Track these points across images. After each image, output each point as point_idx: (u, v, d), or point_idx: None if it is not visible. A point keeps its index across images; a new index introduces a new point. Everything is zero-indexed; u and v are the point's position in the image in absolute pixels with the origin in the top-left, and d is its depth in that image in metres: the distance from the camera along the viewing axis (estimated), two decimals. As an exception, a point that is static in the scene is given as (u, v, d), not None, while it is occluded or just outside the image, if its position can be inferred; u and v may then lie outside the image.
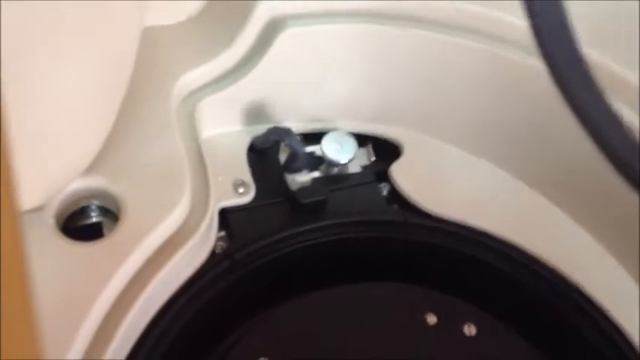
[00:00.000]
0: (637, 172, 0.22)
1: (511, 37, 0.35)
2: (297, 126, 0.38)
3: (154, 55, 0.32)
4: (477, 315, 0.36)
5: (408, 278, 0.37)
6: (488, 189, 0.39)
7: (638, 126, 0.33)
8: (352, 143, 0.37)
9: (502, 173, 0.40)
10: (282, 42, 0.35)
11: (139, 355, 0.30)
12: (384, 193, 0.38)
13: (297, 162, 0.36)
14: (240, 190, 0.34)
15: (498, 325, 0.36)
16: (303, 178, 0.35)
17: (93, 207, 0.31)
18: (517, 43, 0.35)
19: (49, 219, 0.29)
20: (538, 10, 0.21)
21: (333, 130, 0.38)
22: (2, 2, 0.19)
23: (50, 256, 0.28)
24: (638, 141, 0.22)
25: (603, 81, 0.33)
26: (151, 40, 0.30)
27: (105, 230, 0.31)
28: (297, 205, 0.35)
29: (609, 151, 0.22)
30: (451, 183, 0.39)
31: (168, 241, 0.30)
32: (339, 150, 0.37)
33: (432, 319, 0.36)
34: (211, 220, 0.32)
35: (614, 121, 0.22)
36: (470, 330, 0.36)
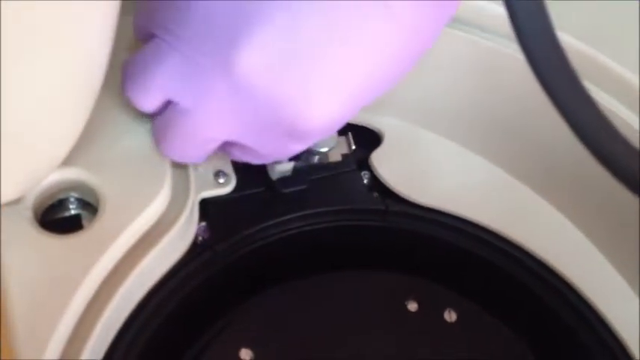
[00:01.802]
0: (617, 160, 0.22)
1: (494, 25, 0.35)
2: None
3: (132, 45, 0.32)
4: (458, 301, 0.37)
5: (389, 266, 0.37)
6: (469, 177, 0.40)
7: (638, 127, 0.34)
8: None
9: (483, 161, 0.41)
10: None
11: (119, 347, 0.30)
12: (365, 181, 0.38)
13: None
14: (221, 180, 0.34)
15: (479, 311, 0.37)
16: (283, 167, 0.35)
17: (71, 199, 0.31)
18: (501, 31, 0.35)
19: (27, 212, 0.28)
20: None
21: (314, 118, 0.38)
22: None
23: (28, 249, 0.27)
24: (613, 127, 0.22)
25: (602, 81, 0.34)
26: (128, 29, 0.29)
27: (84, 222, 0.30)
28: (278, 195, 0.35)
29: (581, 132, 0.23)
30: (432, 171, 0.39)
31: (148, 233, 0.30)
32: (320, 139, 0.37)
33: (412, 305, 0.37)
34: (192, 210, 0.32)
35: (590, 106, 0.23)
36: (450, 316, 0.37)
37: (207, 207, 0.34)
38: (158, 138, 0.30)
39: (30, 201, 0.29)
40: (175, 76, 0.27)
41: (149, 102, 0.28)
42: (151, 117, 0.30)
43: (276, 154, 0.30)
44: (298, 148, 0.29)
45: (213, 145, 0.29)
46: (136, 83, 0.28)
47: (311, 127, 0.27)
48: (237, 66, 0.25)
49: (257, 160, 0.31)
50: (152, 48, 0.27)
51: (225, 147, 0.30)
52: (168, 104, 0.28)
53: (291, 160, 0.35)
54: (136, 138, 0.31)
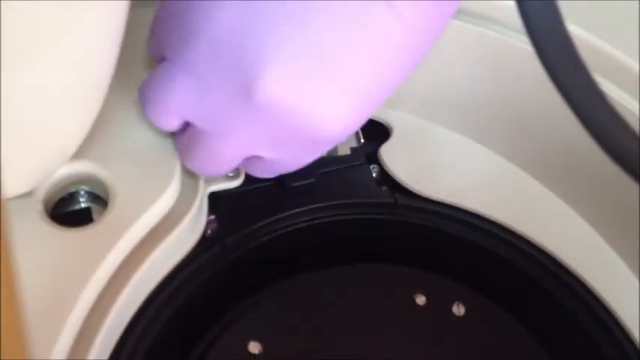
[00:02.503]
0: (625, 151, 0.22)
1: (504, 18, 0.35)
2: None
3: (143, 38, 0.32)
4: (466, 295, 0.37)
5: (397, 259, 0.37)
6: (478, 171, 0.39)
7: (638, 114, 0.34)
8: (342, 125, 0.37)
9: (492, 154, 0.40)
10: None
11: (129, 340, 0.30)
12: (374, 174, 0.38)
13: None
14: (230, 173, 0.34)
15: (487, 305, 0.37)
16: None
17: (81, 192, 0.31)
18: (510, 24, 0.35)
19: (37, 205, 0.29)
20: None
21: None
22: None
23: (38, 242, 0.28)
24: (623, 120, 0.22)
25: (604, 68, 0.33)
26: (140, 21, 0.30)
27: (94, 216, 0.31)
28: (287, 188, 0.35)
29: (590, 125, 0.22)
30: (441, 164, 0.39)
31: (158, 226, 0.30)
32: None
33: (421, 299, 0.37)
34: (201, 204, 0.32)
35: (600, 98, 0.23)
36: (459, 310, 0.36)
37: (217, 200, 0.34)
38: (182, 155, 0.30)
39: (41, 194, 0.29)
40: (188, 100, 0.27)
41: (167, 125, 0.29)
42: (173, 134, 0.31)
43: (295, 165, 0.30)
44: (315, 155, 0.30)
45: (237, 162, 0.29)
46: (152, 107, 0.28)
47: (330, 135, 0.27)
48: (258, 89, 0.25)
49: (275, 173, 0.31)
50: (163, 71, 0.27)
51: (243, 162, 0.30)
52: (187, 125, 0.29)
53: None
54: (145, 132, 0.31)
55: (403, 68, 0.27)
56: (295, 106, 0.25)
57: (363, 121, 0.28)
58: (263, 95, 0.25)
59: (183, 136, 0.29)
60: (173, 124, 0.28)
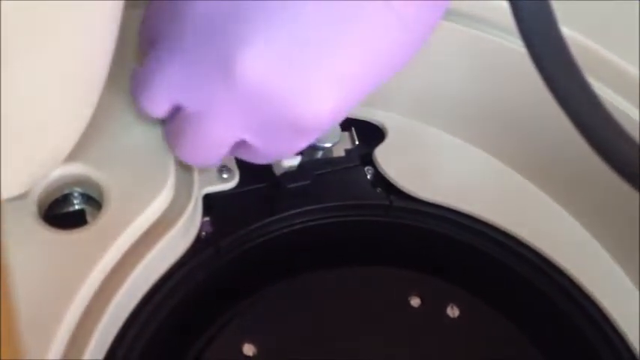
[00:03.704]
0: (615, 151, 0.22)
1: (497, 19, 0.35)
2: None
3: (137, 39, 0.32)
4: (461, 297, 0.37)
5: (392, 261, 0.37)
6: (473, 173, 0.40)
7: (638, 119, 0.34)
8: (336, 127, 0.37)
9: (487, 156, 0.41)
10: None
11: (124, 342, 0.30)
12: (369, 176, 0.38)
13: None
14: (225, 175, 0.34)
15: (481, 307, 0.37)
16: (290, 162, 0.35)
17: (75, 194, 0.31)
18: (503, 26, 0.35)
19: (31, 207, 0.28)
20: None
21: (317, 114, 0.38)
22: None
23: (32, 244, 0.27)
24: (613, 118, 0.22)
25: (604, 74, 0.34)
26: (134, 22, 0.30)
27: (88, 218, 0.31)
28: (282, 190, 0.35)
29: (584, 128, 0.23)
30: (436, 166, 0.39)
31: (152, 228, 0.30)
32: (323, 134, 0.37)
33: (415, 301, 0.37)
34: (195, 206, 0.32)
35: (595, 103, 0.23)
36: (453, 311, 0.37)
37: (211, 202, 0.34)
38: (171, 143, 0.30)
39: (34, 196, 0.29)
40: (177, 83, 0.27)
41: (157, 110, 0.29)
42: (162, 122, 0.31)
43: (283, 153, 0.30)
44: (303, 144, 0.29)
45: (225, 148, 0.29)
46: (142, 93, 0.28)
47: (316, 121, 0.27)
48: (238, 69, 0.25)
49: (263, 160, 0.31)
50: (153, 58, 0.27)
51: (233, 150, 0.30)
52: (176, 111, 0.29)
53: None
54: (140, 133, 0.31)
55: (393, 61, 0.27)
56: (275, 89, 0.25)
57: (348, 109, 0.28)
58: (241, 76, 0.25)
59: (172, 122, 0.29)
60: (162, 108, 0.28)
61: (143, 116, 0.31)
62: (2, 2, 0.20)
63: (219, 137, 0.28)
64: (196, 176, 0.32)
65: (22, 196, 0.28)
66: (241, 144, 0.29)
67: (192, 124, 0.28)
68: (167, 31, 0.27)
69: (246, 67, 0.25)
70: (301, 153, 0.36)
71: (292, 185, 0.35)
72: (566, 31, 0.22)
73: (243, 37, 0.25)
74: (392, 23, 0.25)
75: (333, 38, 0.25)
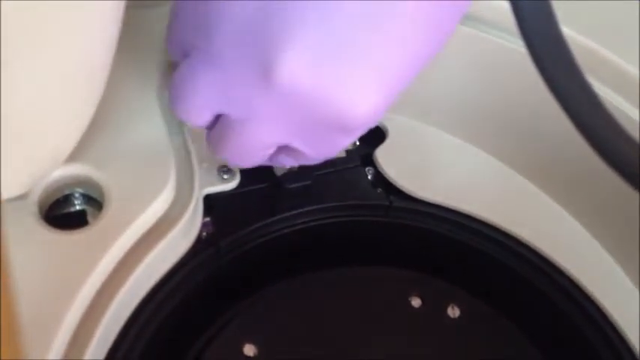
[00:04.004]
0: (615, 151, 0.22)
1: (498, 20, 0.35)
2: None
3: (138, 39, 0.32)
4: (461, 297, 0.37)
5: (392, 261, 0.37)
6: (474, 173, 0.40)
7: (638, 119, 0.34)
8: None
9: (487, 157, 0.41)
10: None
11: (124, 342, 0.30)
12: (369, 177, 0.38)
13: None
14: (225, 176, 0.34)
15: (482, 307, 0.37)
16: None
17: (76, 195, 0.31)
18: (504, 26, 0.35)
19: (32, 207, 0.29)
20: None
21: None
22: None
23: (33, 245, 0.27)
24: (614, 118, 0.22)
25: (604, 74, 0.34)
26: (135, 22, 0.30)
27: (89, 218, 0.31)
28: (283, 191, 0.35)
29: (585, 129, 0.23)
30: (436, 167, 0.39)
31: (153, 229, 0.30)
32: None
33: (416, 301, 0.37)
34: (196, 206, 0.32)
35: (596, 103, 0.23)
36: (454, 312, 0.37)
37: (212, 202, 0.34)
38: (215, 147, 0.30)
39: (35, 196, 0.29)
40: (215, 93, 0.27)
41: (199, 120, 0.29)
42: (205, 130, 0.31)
43: (327, 152, 0.30)
44: (346, 142, 0.29)
45: (270, 150, 0.29)
46: (180, 105, 0.28)
47: (358, 120, 0.27)
48: (277, 73, 0.25)
49: (308, 162, 0.31)
50: (186, 67, 0.27)
51: (275, 154, 0.30)
52: (219, 116, 0.29)
53: None
54: (141, 134, 0.31)
55: (426, 54, 0.27)
56: (316, 91, 0.25)
57: (389, 105, 0.27)
58: (281, 80, 0.25)
59: (214, 129, 0.29)
60: (204, 118, 0.28)
61: (144, 117, 0.31)
62: (2, 2, 0.20)
63: (263, 141, 0.28)
64: (197, 177, 0.32)
65: (22, 197, 0.28)
66: (285, 147, 0.29)
67: (235, 131, 0.28)
68: (200, 39, 0.26)
69: (286, 71, 0.25)
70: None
71: (293, 185, 0.35)
72: (566, 31, 0.22)
73: (280, 40, 0.24)
74: (422, 18, 0.25)
75: (369, 36, 0.25)
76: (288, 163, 0.32)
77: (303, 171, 0.36)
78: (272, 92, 0.26)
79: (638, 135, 0.23)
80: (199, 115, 0.28)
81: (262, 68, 0.25)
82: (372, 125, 0.28)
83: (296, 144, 0.29)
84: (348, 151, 0.38)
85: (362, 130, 0.29)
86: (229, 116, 0.28)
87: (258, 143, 0.28)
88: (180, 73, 0.28)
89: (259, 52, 0.25)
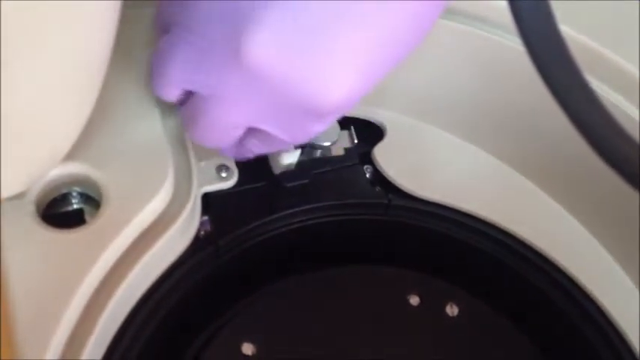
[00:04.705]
0: (614, 150, 0.22)
1: (495, 17, 0.35)
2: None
3: (135, 39, 0.32)
4: (460, 295, 0.37)
5: (391, 260, 0.37)
6: (472, 171, 0.40)
7: (638, 119, 0.34)
8: (334, 126, 0.37)
9: (485, 155, 0.41)
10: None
11: (122, 341, 0.30)
12: (368, 175, 0.38)
13: None
14: (223, 174, 0.34)
15: (480, 305, 0.37)
16: (289, 158, 0.35)
17: (74, 194, 0.31)
18: (501, 24, 0.35)
19: (29, 206, 0.28)
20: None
21: (316, 112, 0.38)
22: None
23: (30, 244, 0.27)
24: (612, 117, 0.22)
25: (602, 72, 0.33)
26: (132, 22, 0.30)
27: (87, 217, 0.31)
28: (281, 189, 0.35)
29: (583, 128, 0.23)
30: (434, 165, 0.39)
31: (151, 227, 0.30)
32: (322, 133, 0.37)
33: (414, 299, 0.37)
34: (194, 204, 0.32)
35: (594, 102, 0.23)
36: (452, 310, 0.37)
37: (210, 201, 0.34)
38: (186, 125, 0.30)
39: (33, 195, 0.29)
40: (190, 67, 0.27)
41: (170, 94, 0.29)
42: (178, 106, 0.31)
43: (298, 137, 0.30)
44: (319, 128, 0.29)
45: (239, 131, 0.29)
46: (156, 77, 0.29)
47: (329, 104, 0.26)
48: (248, 51, 0.25)
49: (278, 147, 0.31)
50: (166, 41, 0.28)
51: (246, 138, 0.30)
52: (190, 94, 0.29)
53: (297, 147, 0.35)
54: (138, 132, 0.31)
55: (407, 41, 0.26)
56: (287, 72, 0.25)
57: (363, 92, 0.27)
58: (251, 61, 0.25)
59: (186, 107, 0.29)
60: (174, 92, 0.29)
61: (141, 115, 0.31)
62: (2, 2, 0.20)
63: (231, 121, 0.28)
64: (195, 175, 0.32)
65: (20, 196, 0.28)
66: (257, 131, 0.29)
67: (204, 109, 0.28)
68: (179, 16, 0.27)
69: (256, 52, 0.25)
70: (302, 148, 0.36)
71: (291, 184, 0.35)
72: (566, 30, 0.22)
73: (254, 19, 0.24)
74: (402, 5, 0.25)
75: (345, 20, 0.25)
76: (258, 149, 0.31)
77: (302, 169, 0.36)
78: (242, 72, 0.26)
79: (638, 134, 0.23)
80: (173, 91, 0.29)
81: (235, 47, 0.25)
82: (345, 112, 0.28)
83: (267, 127, 0.28)
84: (346, 150, 0.38)
85: (334, 116, 0.28)
86: (200, 93, 0.28)
87: (226, 123, 0.28)
88: (159, 48, 0.28)
89: (233, 31, 0.25)
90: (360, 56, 0.26)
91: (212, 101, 0.28)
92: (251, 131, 0.29)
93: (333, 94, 0.26)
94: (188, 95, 0.29)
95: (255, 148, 0.31)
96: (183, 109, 0.30)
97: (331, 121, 0.29)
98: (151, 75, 0.29)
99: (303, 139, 0.30)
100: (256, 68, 0.25)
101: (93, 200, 0.31)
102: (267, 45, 0.25)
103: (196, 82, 0.27)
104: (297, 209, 0.36)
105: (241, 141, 0.31)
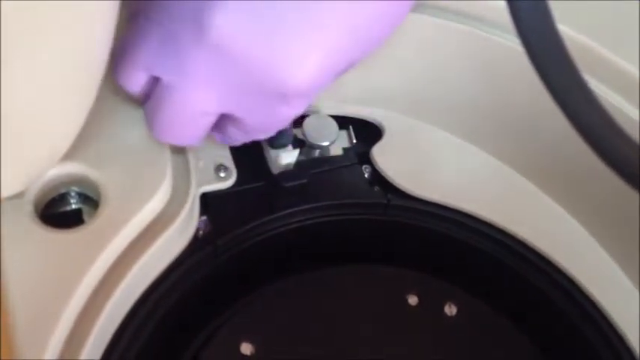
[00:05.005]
0: (613, 150, 0.22)
1: (493, 17, 0.35)
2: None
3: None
4: (458, 295, 0.37)
5: (389, 259, 0.37)
6: (471, 171, 0.40)
7: (638, 119, 0.34)
8: (333, 125, 0.37)
9: (484, 154, 0.41)
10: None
11: (121, 341, 0.30)
12: (366, 175, 0.38)
13: (283, 138, 0.36)
14: (222, 174, 0.34)
15: (479, 305, 0.37)
16: (287, 158, 0.35)
17: (72, 194, 0.31)
18: (500, 23, 0.35)
19: (27, 206, 0.28)
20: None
21: (314, 112, 0.38)
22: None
23: (28, 244, 0.27)
24: (611, 117, 0.22)
25: (602, 73, 0.33)
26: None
27: (85, 217, 0.30)
28: (279, 189, 0.35)
29: (582, 128, 0.23)
30: (433, 164, 0.39)
31: (149, 227, 0.30)
32: (320, 132, 0.37)
33: (413, 299, 0.37)
34: (193, 204, 0.32)
35: (593, 102, 0.23)
36: (451, 310, 0.37)
37: (208, 201, 0.34)
38: (150, 122, 0.29)
39: (31, 195, 0.29)
40: (153, 50, 0.27)
41: (133, 80, 0.28)
42: (142, 103, 0.30)
43: (266, 123, 0.29)
44: (288, 112, 0.28)
45: (205, 122, 0.29)
46: (119, 64, 0.28)
47: (293, 83, 0.26)
48: (210, 31, 0.25)
49: (253, 135, 0.31)
50: (131, 27, 0.27)
51: (225, 126, 0.30)
52: (154, 85, 0.28)
53: (295, 147, 0.35)
54: (136, 133, 0.31)
55: (377, 29, 0.26)
56: (249, 53, 0.25)
57: (330, 76, 0.27)
58: (214, 38, 0.25)
59: (150, 101, 0.29)
60: (138, 81, 0.28)
61: (139, 116, 0.31)
62: (2, 2, 0.19)
63: (197, 107, 0.28)
64: (193, 175, 0.32)
65: (18, 196, 0.28)
66: (227, 119, 0.29)
67: (168, 94, 0.27)
68: (143, 3, 0.27)
69: (218, 28, 0.25)
70: (300, 147, 0.36)
71: (289, 184, 0.35)
72: (566, 30, 0.22)
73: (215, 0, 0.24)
74: None
75: (311, 3, 0.24)
76: (239, 137, 0.31)
77: (300, 169, 0.36)
78: (206, 51, 0.25)
79: (638, 135, 0.23)
80: (137, 78, 0.28)
81: (197, 25, 0.25)
82: (312, 98, 0.27)
83: (234, 112, 0.28)
84: (345, 150, 0.38)
85: (301, 101, 0.28)
86: (163, 79, 0.27)
87: (192, 109, 0.28)
88: (122, 36, 0.28)
89: (196, 9, 0.25)
90: (324, 39, 0.25)
91: (177, 87, 0.27)
92: (225, 118, 0.29)
93: (297, 74, 0.26)
94: (151, 86, 0.29)
95: (235, 137, 0.31)
96: (147, 105, 0.29)
97: (299, 108, 0.28)
98: (114, 63, 0.28)
99: (272, 125, 0.29)
100: (220, 45, 0.25)
101: (91, 200, 0.31)
102: (232, 21, 0.24)
103: (161, 65, 0.27)
104: (295, 209, 0.36)
105: (221, 129, 0.30)
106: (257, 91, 0.27)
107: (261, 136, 0.31)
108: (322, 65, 0.26)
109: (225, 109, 0.28)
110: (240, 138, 0.31)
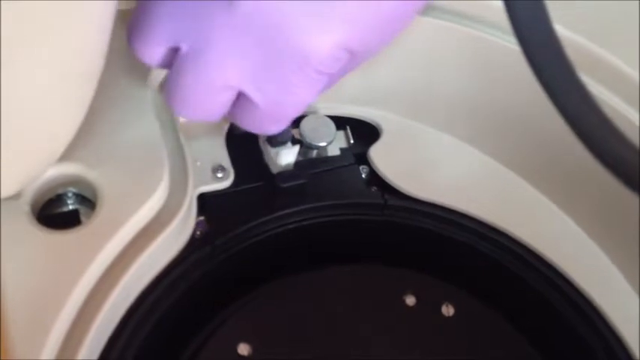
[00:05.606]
0: (611, 152, 0.22)
1: (491, 18, 0.35)
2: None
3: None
4: (456, 295, 0.37)
5: (387, 260, 0.37)
6: (468, 171, 0.40)
7: (638, 123, 0.34)
8: (331, 126, 0.37)
9: (481, 155, 0.41)
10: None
11: (118, 342, 0.30)
12: (364, 175, 0.38)
13: (282, 135, 0.36)
14: (219, 174, 0.34)
15: (476, 305, 0.37)
16: (283, 160, 0.35)
17: (69, 194, 0.31)
18: (497, 24, 0.35)
19: (24, 207, 0.28)
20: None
21: (311, 113, 0.38)
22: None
23: (25, 244, 0.27)
24: (608, 118, 0.22)
25: (601, 74, 0.33)
26: (126, 20, 0.29)
27: (82, 218, 0.30)
28: (277, 189, 0.35)
29: (579, 129, 0.23)
30: (430, 165, 0.39)
31: (147, 228, 0.30)
32: (318, 133, 0.37)
33: (410, 300, 0.37)
34: (190, 205, 0.32)
35: (590, 104, 0.23)
36: (448, 310, 0.37)
37: (206, 201, 0.34)
38: (171, 95, 0.29)
39: (28, 196, 0.29)
40: (175, 18, 0.26)
41: (153, 50, 0.28)
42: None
43: (278, 98, 0.28)
44: (302, 94, 0.28)
45: (225, 97, 0.28)
46: (138, 33, 0.28)
47: (316, 51, 0.26)
48: None
49: (265, 122, 0.30)
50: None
51: (232, 109, 0.29)
52: (174, 57, 0.28)
53: (294, 144, 0.35)
54: (134, 133, 0.31)
55: (395, 19, 0.26)
56: (274, 15, 0.25)
57: (345, 57, 0.27)
58: (244, 5, 0.25)
59: (170, 73, 0.28)
60: (158, 51, 0.28)
61: (137, 116, 0.31)
62: (2, 2, 0.19)
63: (217, 78, 0.27)
64: (191, 175, 0.32)
65: (15, 196, 0.28)
66: (241, 102, 0.28)
67: (190, 64, 0.27)
68: None
69: None
70: (298, 145, 0.36)
71: (287, 184, 0.35)
72: (565, 32, 0.22)
73: None
74: None
75: None
76: (244, 122, 0.30)
77: (298, 170, 0.36)
78: (228, 17, 0.25)
79: (637, 138, 0.23)
80: (154, 44, 0.27)
81: None
82: (323, 84, 0.27)
83: (248, 88, 0.27)
84: (342, 150, 0.38)
85: (315, 81, 0.27)
86: (184, 49, 0.27)
87: (210, 81, 0.27)
88: (139, 7, 0.27)
89: None
90: (353, 17, 0.25)
91: (201, 56, 0.26)
92: (238, 102, 0.29)
93: (320, 40, 0.25)
94: (171, 58, 0.28)
95: (246, 123, 0.30)
96: (167, 77, 0.29)
97: (312, 90, 0.28)
98: (131, 37, 0.28)
99: (282, 112, 0.29)
100: (248, 12, 0.25)
101: (88, 201, 0.30)
102: None
103: (182, 33, 0.26)
104: (293, 209, 0.36)
105: (230, 111, 0.30)
106: (278, 61, 0.26)
107: (269, 126, 0.30)
108: (343, 39, 0.26)
109: (244, 85, 0.28)
110: (249, 124, 0.30)
